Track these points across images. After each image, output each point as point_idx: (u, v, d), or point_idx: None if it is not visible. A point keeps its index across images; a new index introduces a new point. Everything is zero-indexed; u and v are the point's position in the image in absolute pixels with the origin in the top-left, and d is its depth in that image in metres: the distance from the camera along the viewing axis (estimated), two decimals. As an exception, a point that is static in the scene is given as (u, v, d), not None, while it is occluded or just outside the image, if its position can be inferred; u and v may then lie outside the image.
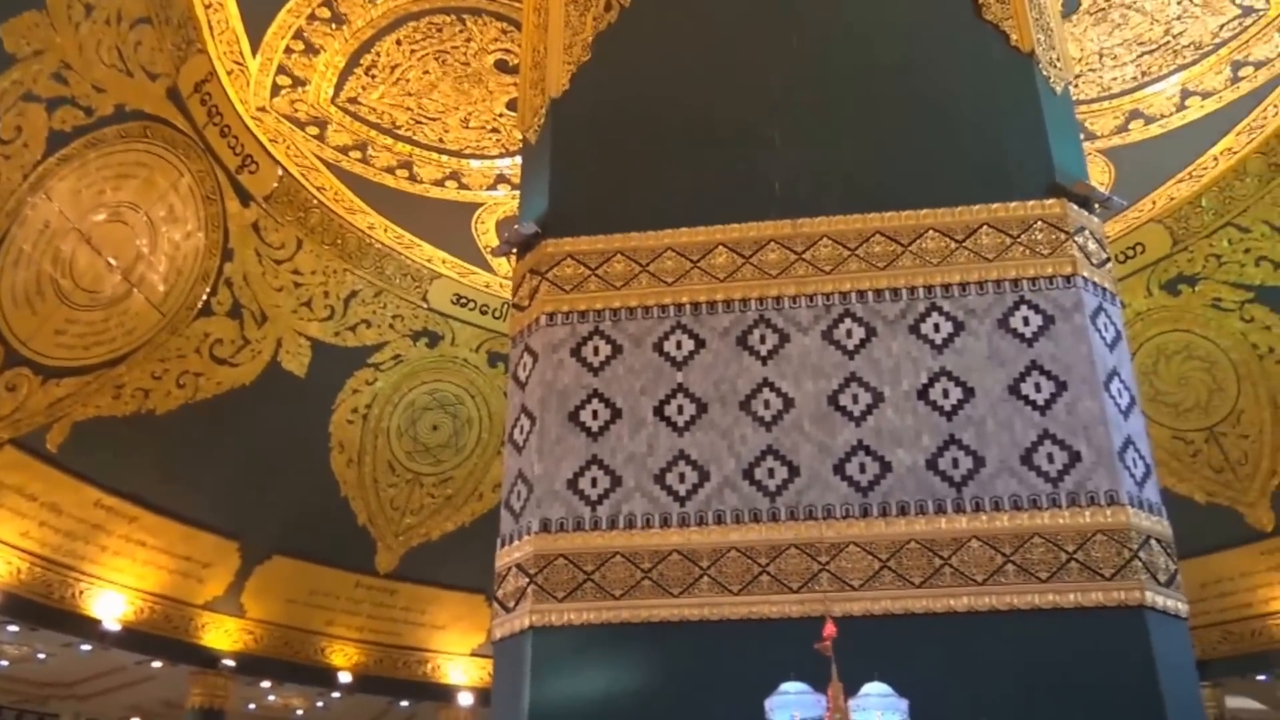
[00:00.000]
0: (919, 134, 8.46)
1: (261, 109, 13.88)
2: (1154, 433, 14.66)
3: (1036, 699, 6.55)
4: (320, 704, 17.95)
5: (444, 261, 16.78)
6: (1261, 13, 12.18)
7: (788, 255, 7.98)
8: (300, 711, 18.34)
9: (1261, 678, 15.92)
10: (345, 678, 17.05)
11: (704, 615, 6.98)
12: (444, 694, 17.90)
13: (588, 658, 7.07)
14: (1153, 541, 6.99)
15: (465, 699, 17.75)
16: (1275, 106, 13.32)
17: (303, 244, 15.66)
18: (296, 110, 13.98)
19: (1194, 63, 12.84)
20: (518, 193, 11.00)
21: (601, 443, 7.51)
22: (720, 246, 8.07)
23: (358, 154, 14.66)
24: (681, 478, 7.37)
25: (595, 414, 7.61)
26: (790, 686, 6.15)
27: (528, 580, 7.23)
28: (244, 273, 15.16)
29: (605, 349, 7.81)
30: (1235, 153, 13.95)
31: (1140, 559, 6.85)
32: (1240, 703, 16.95)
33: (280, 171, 14.82)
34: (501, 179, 15.05)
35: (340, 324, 16.54)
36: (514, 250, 8.69)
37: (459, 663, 18.06)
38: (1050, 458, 7.15)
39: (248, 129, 14.09)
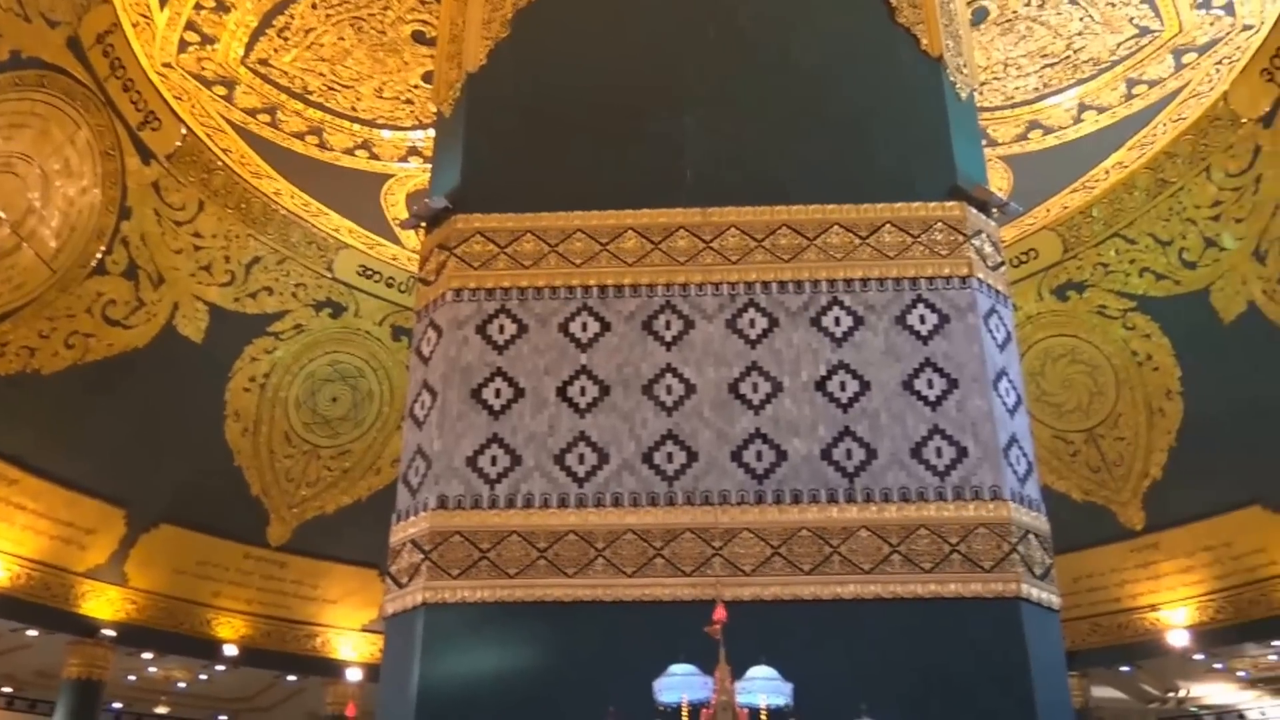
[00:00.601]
0: (829, 131, 8.63)
1: (167, 65, 13.48)
2: (1037, 432, 15.19)
3: (916, 684, 6.78)
4: (203, 676, 17.61)
5: (351, 232, 16.53)
6: (1157, 34, 12.68)
7: (696, 243, 8.09)
8: (182, 684, 17.96)
9: (1125, 669, 16.67)
10: (231, 650, 16.76)
11: (598, 596, 7.06)
12: (332, 669, 17.71)
13: (480, 635, 7.10)
14: (1031, 536, 7.29)
15: (354, 674, 17.59)
16: (1165, 125, 13.89)
17: (205, 206, 15.28)
18: (204, 69, 13.61)
19: (1092, 78, 13.30)
20: (429, 166, 10.90)
21: (503, 421, 7.53)
22: (630, 231, 8.14)
23: (266, 117, 14.35)
24: (581, 459, 7.44)
25: (498, 392, 7.63)
26: (679, 668, 6.27)
27: (422, 556, 7.23)
28: (141, 232, 14.73)
29: (511, 328, 7.83)
30: (1126, 167, 14.51)
31: (1019, 553, 7.14)
32: (1104, 692, 17.71)
33: (184, 130, 14.43)
34: (414, 151, 14.88)
35: (241, 290, 16.19)
36: (423, 224, 8.63)
37: (349, 638, 17.89)
38: (939, 452, 7.40)
39: (152, 85, 13.67)
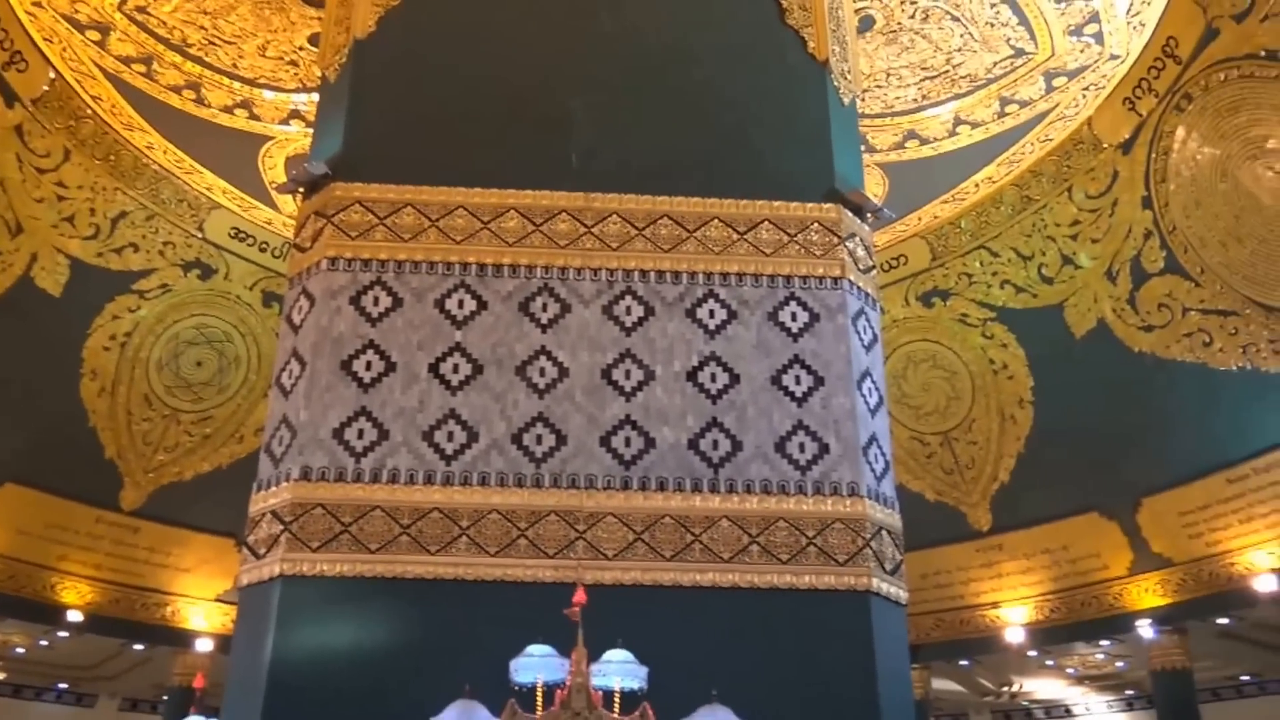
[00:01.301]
0: (715, 125, 8.77)
1: (37, 4, 12.86)
2: (896, 432, 15.75)
3: (767, 671, 6.98)
4: (44, 643, 16.91)
5: (225, 192, 16.03)
6: (1030, 56, 13.22)
7: (578, 227, 8.14)
8: (21, 650, 17.22)
9: (964, 663, 17.42)
10: (75, 616, 16.13)
11: (459, 575, 7.06)
12: (182, 639, 17.21)
13: (338, 610, 7.04)
14: (884, 533, 7.58)
15: (204, 645, 17.13)
16: (1033, 144, 14.50)
17: (71, 155, 14.63)
18: (77, 11, 13.03)
19: (968, 94, 13.79)
20: (311, 131, 10.68)
21: (372, 394, 7.46)
22: (512, 211, 8.13)
23: (141, 68, 13.81)
24: (450, 436, 7.42)
25: (369, 365, 7.55)
26: (536, 649, 6.33)
27: (282, 528, 7.12)
28: (1, 178, 14.04)
29: (386, 300, 7.75)
30: (994, 182, 15.10)
31: (871, 548, 7.41)
32: (944, 685, 18.46)
33: (52, 74, 13.78)
34: (295, 114, 14.51)
35: (105, 245, 15.56)
36: (301, 189, 8.46)
37: (201, 608, 17.42)
38: (802, 447, 7.62)
39: (19, 23, 13.02)
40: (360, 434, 7.34)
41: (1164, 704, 15.37)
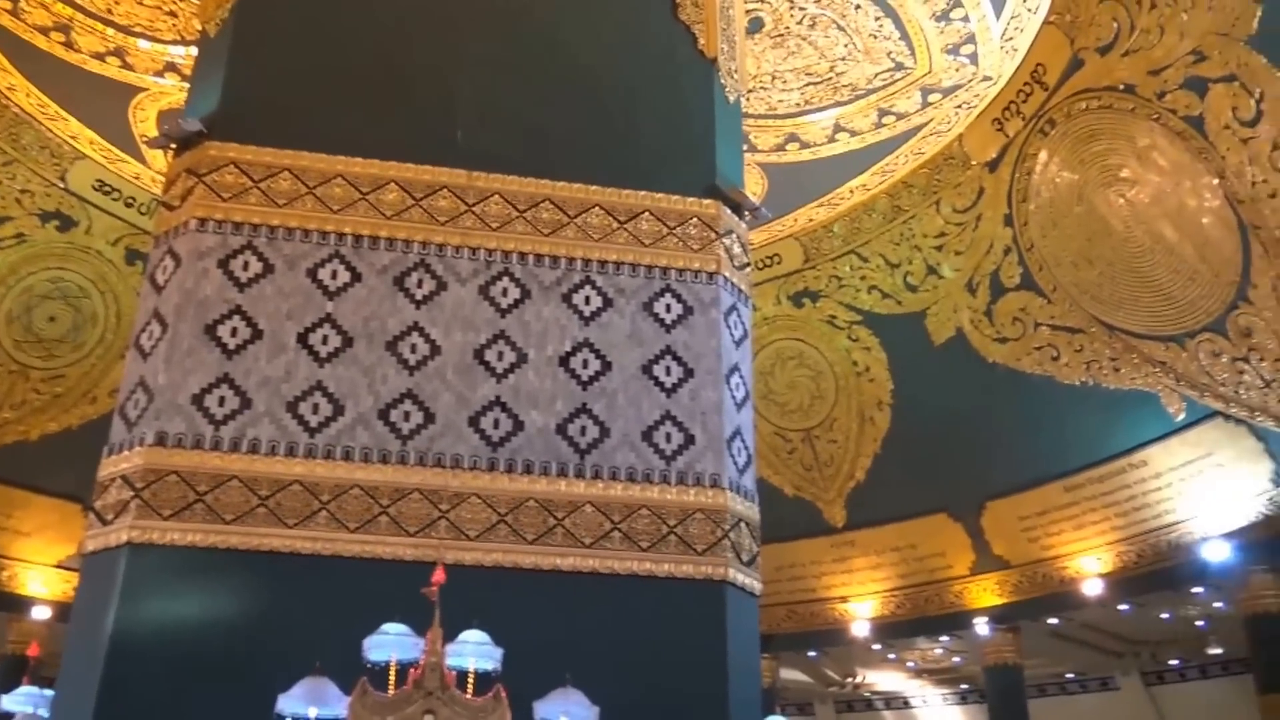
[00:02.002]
0: (601, 113, 8.81)
1: (-114, -75, 12.09)
2: (760, 427, 16.07)
3: (621, 656, 7.08)
4: None
5: (91, 143, 15.30)
6: (909, 71, 13.66)
7: (458, 205, 8.08)
8: None
9: (812, 654, 17.95)
10: (-102, 578, 15.31)
11: (317, 549, 6.96)
12: (18, 605, 16.44)
13: (187, 581, 6.85)
14: (743, 525, 7.76)
15: (41, 612, 16.42)
16: (906, 156, 14.97)
17: (-84, 89, 13.79)
18: (-68, -63, 12.30)
19: (849, 102, 14.16)
20: (187, 86, 10.31)
21: (236, 362, 7.28)
22: (393, 183, 8.03)
23: (7, 4, 13.09)
24: (315, 409, 7.30)
25: (234, 331, 7.36)
26: (391, 627, 6.30)
27: (132, 494, 6.89)
28: None
29: (256, 266, 7.56)
30: (868, 190, 15.55)
31: (730, 539, 7.59)
32: (792, 675, 18.98)
33: (-100, 1, 12.98)
34: (171, 68, 13.95)
35: (-46, 188, 14.73)
36: (173, 145, 8.18)
37: (40, 573, 16.66)
38: (668, 437, 7.74)
39: None
40: (221, 401, 7.16)
41: (995, 698, 16.13)
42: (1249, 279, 11.75)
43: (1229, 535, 13.39)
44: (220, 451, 7.03)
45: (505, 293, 7.90)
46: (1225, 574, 13.44)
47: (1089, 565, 14.91)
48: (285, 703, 6.13)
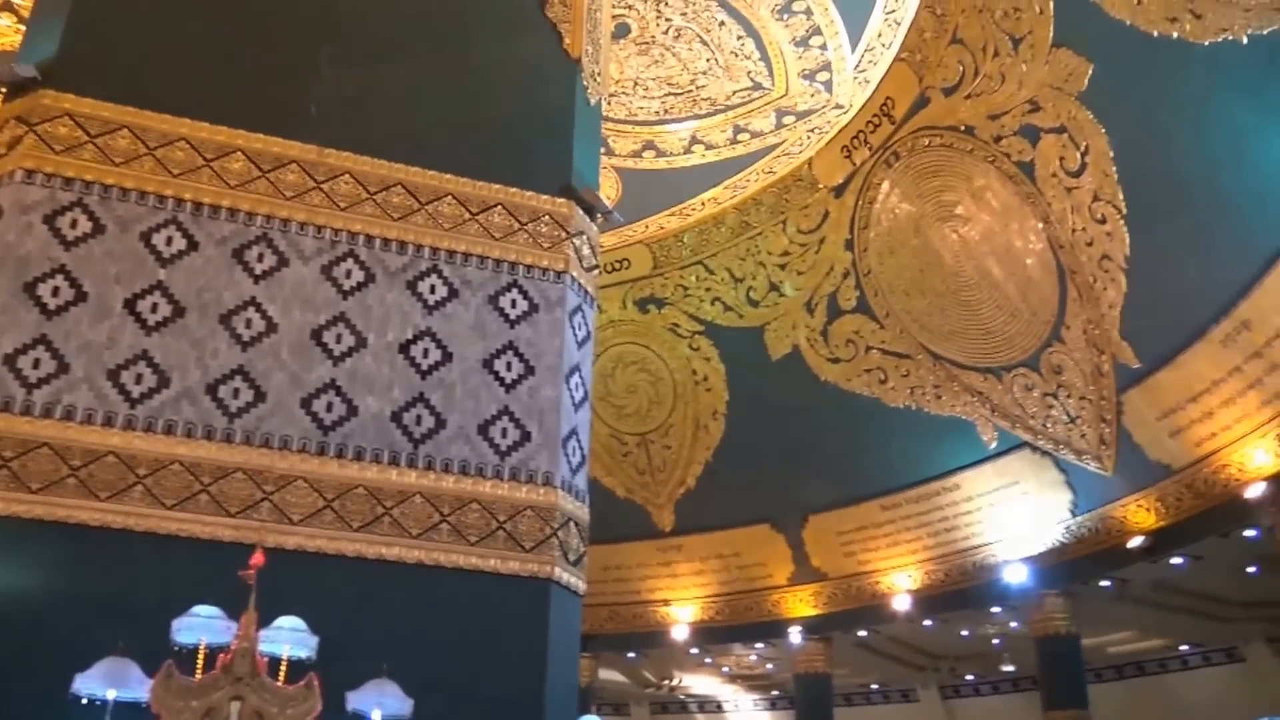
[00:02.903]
0: (462, 102, 8.71)
1: None
2: (597, 429, 16.20)
3: (442, 649, 7.03)
4: None
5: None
6: (767, 91, 14.01)
7: (307, 181, 7.86)
8: None
9: (631, 655, 18.16)
10: None
11: (129, 525, 6.66)
12: None
13: (-17, 550, 6.47)
14: (572, 524, 7.81)
15: None
16: (758, 174, 15.35)
17: None
18: None
19: (707, 116, 14.43)
20: (23, 28, 9.71)
21: (56, 323, 6.91)
22: (239, 152, 7.75)
23: None
24: (139, 379, 6.99)
25: (56, 291, 6.98)
26: (202, 609, 6.08)
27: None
28: None
29: (85, 225, 7.18)
30: (719, 203, 15.86)
31: (558, 538, 7.62)
32: (610, 675, 19.16)
33: None
34: (8, 6, 13.12)
35: None
36: (3, 90, 7.70)
37: None
38: (504, 432, 7.72)
39: None
40: (36, 364, 6.78)
41: (803, 705, 16.66)
42: (1063, 320, 12.52)
43: (1028, 560, 14.20)
44: (31, 416, 6.66)
45: (349, 275, 7.74)
46: (1022, 596, 14.24)
47: (900, 582, 15.57)
48: (82, 683, 5.86)
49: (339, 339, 7.55)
